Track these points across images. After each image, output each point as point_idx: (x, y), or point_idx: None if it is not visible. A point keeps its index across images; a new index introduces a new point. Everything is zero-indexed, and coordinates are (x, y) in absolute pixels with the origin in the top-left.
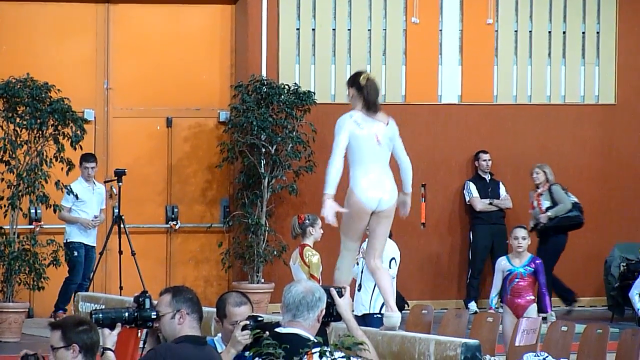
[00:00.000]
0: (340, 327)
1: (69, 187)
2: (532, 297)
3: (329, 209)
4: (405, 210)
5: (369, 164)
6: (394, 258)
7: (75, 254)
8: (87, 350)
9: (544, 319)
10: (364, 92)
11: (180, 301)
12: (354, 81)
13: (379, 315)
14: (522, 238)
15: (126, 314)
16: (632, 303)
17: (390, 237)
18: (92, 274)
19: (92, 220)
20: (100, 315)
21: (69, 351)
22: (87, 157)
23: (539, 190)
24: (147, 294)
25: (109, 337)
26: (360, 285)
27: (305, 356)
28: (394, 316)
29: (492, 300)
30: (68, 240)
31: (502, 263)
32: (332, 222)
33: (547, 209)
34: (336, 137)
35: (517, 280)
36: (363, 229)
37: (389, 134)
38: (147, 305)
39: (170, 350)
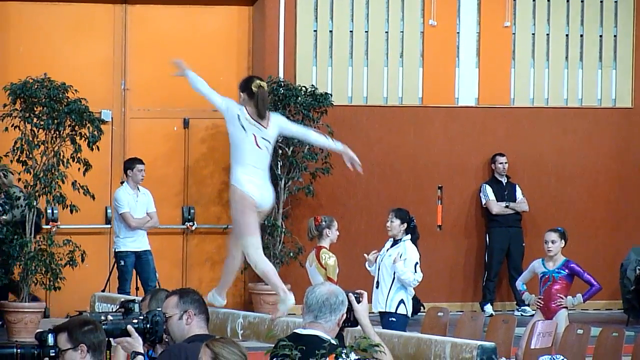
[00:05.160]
0: (356, 329)
1: (118, 195)
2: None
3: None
4: (353, 159)
5: (249, 165)
6: (417, 262)
7: (122, 263)
8: (95, 350)
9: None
10: (254, 100)
11: (187, 302)
12: (246, 87)
13: (394, 319)
14: (551, 242)
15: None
16: None
17: (414, 242)
18: (152, 275)
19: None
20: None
21: (77, 352)
22: (139, 160)
23: None
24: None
25: (135, 341)
26: (377, 283)
27: (327, 358)
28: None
29: (519, 284)
30: (116, 250)
31: (536, 265)
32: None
33: None
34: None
35: (549, 283)
36: (255, 222)
37: (268, 136)
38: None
39: (183, 349)
